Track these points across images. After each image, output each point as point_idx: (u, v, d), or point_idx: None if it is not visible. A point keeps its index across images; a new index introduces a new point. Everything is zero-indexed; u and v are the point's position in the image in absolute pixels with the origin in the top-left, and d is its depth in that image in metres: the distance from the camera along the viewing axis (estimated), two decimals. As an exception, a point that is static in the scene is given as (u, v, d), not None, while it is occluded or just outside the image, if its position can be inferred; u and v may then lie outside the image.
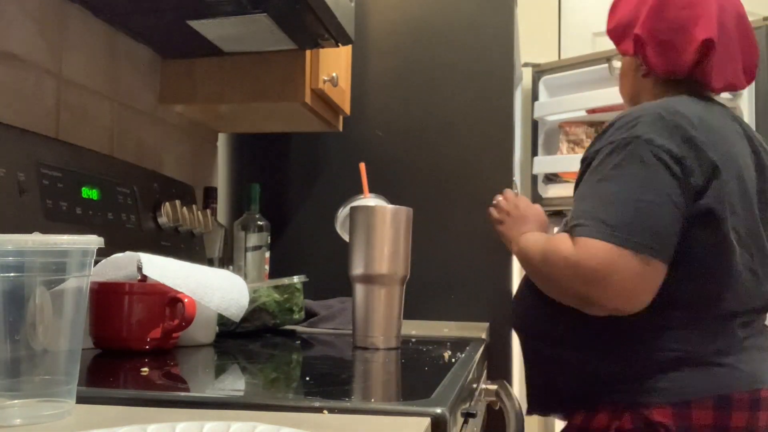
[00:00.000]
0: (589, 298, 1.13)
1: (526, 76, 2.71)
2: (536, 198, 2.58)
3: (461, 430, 0.79)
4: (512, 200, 1.56)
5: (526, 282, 1.34)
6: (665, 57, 1.29)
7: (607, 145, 1.18)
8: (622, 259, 1.09)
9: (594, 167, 1.19)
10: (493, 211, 1.58)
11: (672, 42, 1.28)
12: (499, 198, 1.59)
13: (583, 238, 1.12)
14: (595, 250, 1.10)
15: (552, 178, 2.61)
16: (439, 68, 1.88)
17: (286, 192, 1.94)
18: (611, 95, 2.10)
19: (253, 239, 1.70)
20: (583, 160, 1.26)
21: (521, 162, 2.57)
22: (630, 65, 1.38)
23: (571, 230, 1.16)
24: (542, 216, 1.52)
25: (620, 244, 1.09)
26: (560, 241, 1.18)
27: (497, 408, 1.21)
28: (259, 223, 1.71)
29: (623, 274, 1.09)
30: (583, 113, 2.54)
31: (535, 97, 2.65)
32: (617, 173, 1.15)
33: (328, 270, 1.75)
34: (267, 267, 1.73)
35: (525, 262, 1.33)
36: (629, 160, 1.14)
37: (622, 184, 1.14)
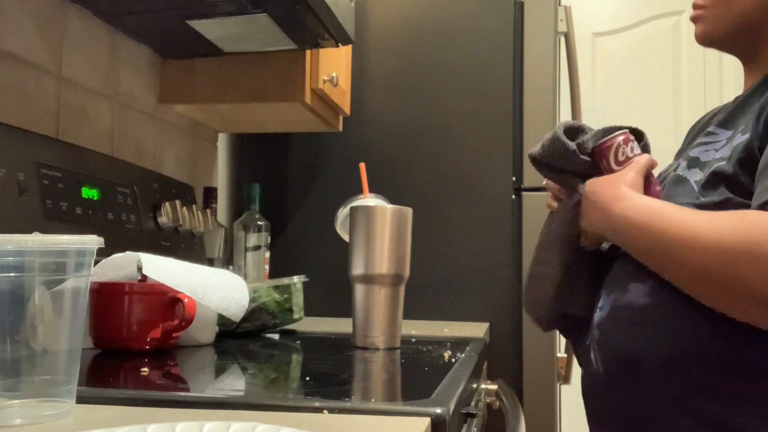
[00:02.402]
0: None
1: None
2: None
3: (461, 430, 0.79)
4: None
5: (649, 282, 0.88)
6: None
7: None
8: None
9: None
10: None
11: None
12: None
13: None
14: None
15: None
16: (439, 68, 1.88)
17: (286, 192, 1.94)
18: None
19: (253, 239, 1.70)
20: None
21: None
22: None
23: None
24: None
25: None
26: None
27: (497, 408, 1.21)
28: (259, 223, 1.71)
29: None
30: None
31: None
32: None
33: (328, 270, 1.75)
34: (267, 267, 1.73)
35: (670, 242, 0.82)
36: None
37: None
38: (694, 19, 1.03)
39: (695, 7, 1.02)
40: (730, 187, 0.85)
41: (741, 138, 0.87)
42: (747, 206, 0.82)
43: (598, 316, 0.93)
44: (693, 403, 0.82)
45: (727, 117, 0.96)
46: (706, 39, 1.02)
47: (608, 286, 0.94)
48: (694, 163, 0.93)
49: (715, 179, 0.87)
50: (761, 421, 0.79)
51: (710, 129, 0.97)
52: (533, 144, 1.89)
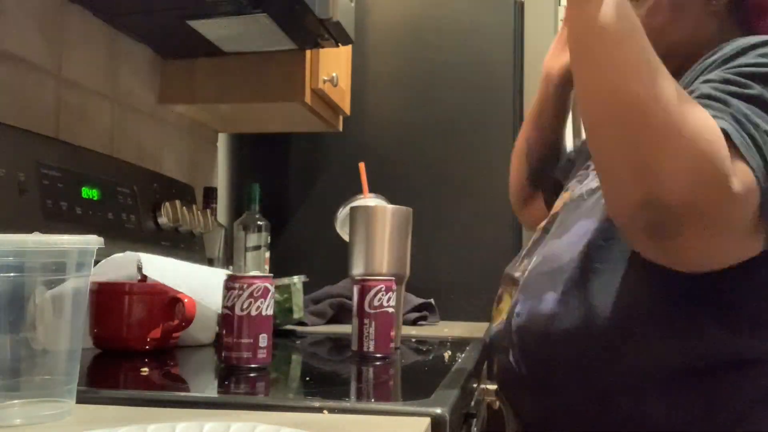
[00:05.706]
0: (685, 206, 0.65)
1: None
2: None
3: (461, 430, 0.79)
4: None
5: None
6: None
7: (750, 70, 0.73)
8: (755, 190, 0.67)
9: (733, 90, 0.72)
10: None
11: None
12: None
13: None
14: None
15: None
16: (439, 68, 1.87)
17: (286, 192, 1.94)
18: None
19: (253, 239, 1.69)
20: None
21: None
22: None
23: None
24: None
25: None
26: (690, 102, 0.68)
27: (497, 408, 1.21)
28: (259, 223, 1.71)
29: (745, 208, 0.67)
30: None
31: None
32: None
33: (328, 270, 1.75)
34: (267, 267, 1.73)
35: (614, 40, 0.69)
36: None
37: None
38: None
39: None
40: None
41: None
42: None
43: (516, 321, 0.89)
44: (611, 402, 0.81)
45: None
46: None
47: (525, 291, 0.90)
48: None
49: None
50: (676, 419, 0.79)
51: None
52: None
